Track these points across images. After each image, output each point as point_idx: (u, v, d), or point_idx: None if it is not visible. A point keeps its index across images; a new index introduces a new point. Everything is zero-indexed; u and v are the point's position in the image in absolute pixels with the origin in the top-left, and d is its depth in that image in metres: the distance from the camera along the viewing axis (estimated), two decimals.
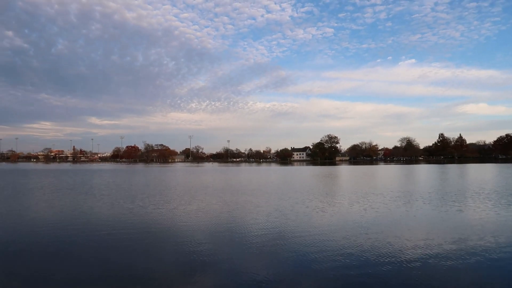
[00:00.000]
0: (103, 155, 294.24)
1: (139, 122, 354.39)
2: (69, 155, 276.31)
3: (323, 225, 14.24)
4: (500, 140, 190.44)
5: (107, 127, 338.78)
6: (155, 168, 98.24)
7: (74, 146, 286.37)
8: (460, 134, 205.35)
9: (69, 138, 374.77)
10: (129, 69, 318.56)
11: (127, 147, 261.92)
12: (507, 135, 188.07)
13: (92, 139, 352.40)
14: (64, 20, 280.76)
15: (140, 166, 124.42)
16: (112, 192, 27.81)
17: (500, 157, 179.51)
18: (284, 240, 11.84)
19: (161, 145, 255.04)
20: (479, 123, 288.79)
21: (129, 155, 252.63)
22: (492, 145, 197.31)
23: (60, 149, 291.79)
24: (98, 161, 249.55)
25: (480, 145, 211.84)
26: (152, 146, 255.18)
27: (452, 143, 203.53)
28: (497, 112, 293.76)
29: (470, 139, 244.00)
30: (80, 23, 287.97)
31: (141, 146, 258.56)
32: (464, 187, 29.90)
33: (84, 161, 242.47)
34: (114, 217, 16.59)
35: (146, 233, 13.11)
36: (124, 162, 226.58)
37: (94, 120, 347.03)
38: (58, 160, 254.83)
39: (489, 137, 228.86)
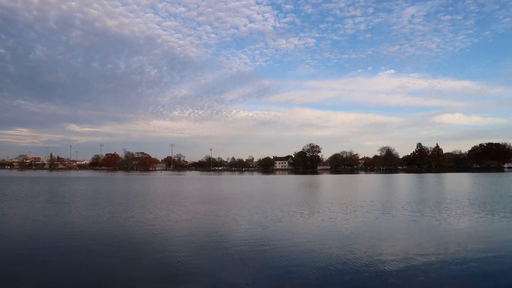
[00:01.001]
0: (82, 162, 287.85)
1: (120, 130, 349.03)
2: (46, 163, 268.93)
3: (303, 235, 14.13)
4: (474, 150, 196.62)
5: (87, 134, 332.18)
6: (134, 176, 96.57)
7: (51, 153, 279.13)
8: (437, 144, 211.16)
9: (47, 145, 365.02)
10: (110, 76, 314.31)
11: (106, 154, 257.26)
12: (480, 145, 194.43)
13: (71, 146, 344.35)
14: (43, 27, 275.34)
15: (119, 174, 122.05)
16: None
17: (474, 166, 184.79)
18: (264, 250, 11.69)
19: (142, 153, 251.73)
20: (455, 133, 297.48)
21: (108, 163, 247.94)
22: (467, 154, 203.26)
23: (36, 156, 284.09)
24: (76, 169, 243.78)
25: (456, 154, 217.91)
26: (132, 154, 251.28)
27: (430, 152, 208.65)
28: (472, 122, 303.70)
29: (447, 148, 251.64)
30: (59, 30, 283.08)
31: (121, 154, 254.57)
32: (441, 197, 30.42)
33: (61, 169, 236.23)
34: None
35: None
36: (103, 170, 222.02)
37: (74, 127, 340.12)
38: (34, 168, 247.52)
39: (465, 146, 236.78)
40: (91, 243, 12.59)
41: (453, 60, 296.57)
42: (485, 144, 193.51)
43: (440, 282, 8.52)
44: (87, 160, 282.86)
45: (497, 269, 9.42)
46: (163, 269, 9.55)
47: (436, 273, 9.08)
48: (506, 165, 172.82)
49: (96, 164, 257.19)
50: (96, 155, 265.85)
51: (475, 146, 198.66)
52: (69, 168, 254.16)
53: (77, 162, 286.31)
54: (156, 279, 8.76)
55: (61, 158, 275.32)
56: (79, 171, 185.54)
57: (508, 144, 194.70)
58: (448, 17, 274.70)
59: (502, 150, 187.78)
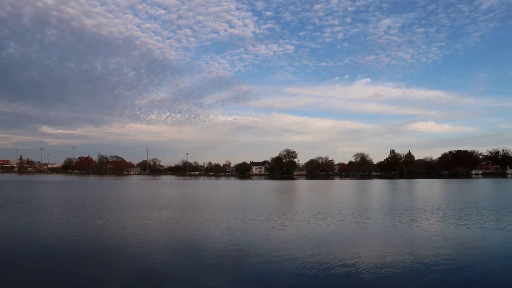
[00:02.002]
0: (54, 166, 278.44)
1: (96, 132, 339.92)
2: (15, 165, 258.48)
3: (279, 240, 14.10)
4: (444, 157, 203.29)
5: (60, 136, 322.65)
6: (106, 181, 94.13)
7: (21, 156, 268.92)
8: (409, 151, 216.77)
9: (17, 147, 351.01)
10: (86, 77, 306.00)
11: (79, 158, 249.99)
12: (450, 152, 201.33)
13: (42, 149, 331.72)
14: (17, 23, 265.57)
15: (91, 178, 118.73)
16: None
17: (443, 172, 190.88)
18: (239, 255, 11.64)
19: (116, 156, 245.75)
20: (427, 140, 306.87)
21: (81, 166, 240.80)
22: (438, 161, 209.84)
23: (5, 159, 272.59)
24: (47, 172, 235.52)
25: (427, 161, 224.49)
26: (106, 158, 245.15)
27: (402, 159, 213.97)
28: (444, 130, 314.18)
29: (419, 155, 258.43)
30: (34, 28, 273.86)
31: (95, 158, 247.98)
32: (412, 202, 31.08)
33: (31, 172, 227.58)
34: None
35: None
36: (75, 173, 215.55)
37: (46, 128, 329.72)
38: (1, 171, 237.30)
39: (437, 154, 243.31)
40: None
41: (426, 70, 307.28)
42: (454, 152, 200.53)
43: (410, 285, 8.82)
44: (59, 163, 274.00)
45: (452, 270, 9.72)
46: (137, 275, 9.44)
47: (406, 276, 9.40)
48: (473, 172, 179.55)
49: (68, 167, 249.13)
50: (69, 158, 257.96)
51: (445, 153, 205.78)
52: (40, 171, 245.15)
53: (49, 165, 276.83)
54: (131, 285, 8.64)
55: (31, 161, 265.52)
56: (50, 175, 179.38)
57: (476, 151, 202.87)
58: (422, 29, 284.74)
59: (470, 157, 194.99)
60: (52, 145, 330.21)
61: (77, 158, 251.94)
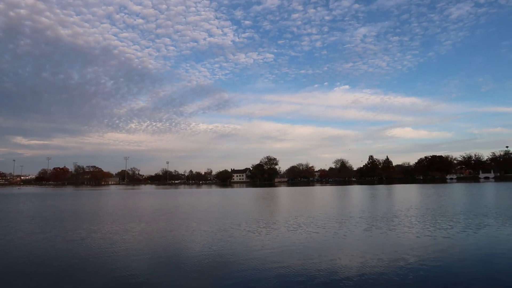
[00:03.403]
0: (27, 177, 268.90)
1: (72, 143, 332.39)
2: None
3: (259, 248, 13.98)
4: (420, 162, 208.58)
5: (35, 147, 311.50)
6: (81, 191, 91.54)
7: None
8: (387, 156, 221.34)
9: None
10: (62, 87, 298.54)
11: (54, 168, 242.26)
12: (426, 157, 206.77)
13: (14, 160, 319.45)
14: None
15: (67, 190, 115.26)
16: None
17: (418, 178, 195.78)
18: (220, 263, 11.60)
19: (94, 166, 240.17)
20: (405, 146, 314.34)
21: (56, 177, 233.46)
22: (414, 166, 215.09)
23: None
24: (20, 184, 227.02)
25: (405, 166, 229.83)
26: (83, 168, 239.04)
27: (381, 164, 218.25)
28: (420, 136, 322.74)
29: (397, 160, 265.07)
30: (6, 37, 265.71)
31: (72, 168, 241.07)
32: (391, 208, 31.63)
33: (2, 185, 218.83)
34: None
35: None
36: (50, 185, 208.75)
37: (20, 139, 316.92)
38: None
39: (414, 159, 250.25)
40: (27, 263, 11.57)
41: (402, 77, 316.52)
42: (430, 157, 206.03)
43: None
44: (33, 175, 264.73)
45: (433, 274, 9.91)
46: (115, 285, 9.28)
47: (387, 280, 9.57)
48: (448, 176, 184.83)
49: (42, 179, 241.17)
50: (44, 169, 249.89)
51: (421, 158, 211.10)
52: (12, 183, 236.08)
53: (22, 177, 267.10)
54: None
55: (3, 173, 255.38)
56: (22, 187, 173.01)
57: (450, 156, 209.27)
58: (396, 38, 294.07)
59: (445, 162, 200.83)
60: (26, 157, 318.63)
61: (51, 169, 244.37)
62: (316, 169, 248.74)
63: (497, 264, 11.24)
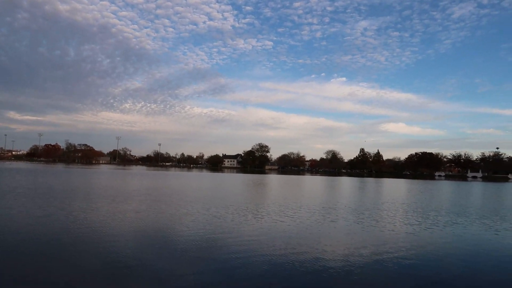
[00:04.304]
0: (19, 153, 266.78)
1: (66, 120, 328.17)
2: None
3: (248, 234, 14.14)
4: (410, 158, 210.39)
5: (28, 123, 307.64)
6: (71, 169, 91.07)
7: None
8: (378, 150, 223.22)
9: None
10: (58, 63, 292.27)
11: (45, 145, 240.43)
12: (416, 153, 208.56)
13: (6, 135, 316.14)
14: None
15: (57, 167, 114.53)
16: None
17: (406, 173, 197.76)
18: (208, 247, 11.75)
19: (85, 145, 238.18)
20: (398, 141, 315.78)
21: (47, 154, 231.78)
22: (404, 161, 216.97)
23: None
24: (11, 159, 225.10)
25: (396, 161, 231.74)
26: (74, 146, 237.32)
27: (372, 158, 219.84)
28: (414, 132, 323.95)
29: (389, 155, 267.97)
30: (3, 10, 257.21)
31: (64, 146, 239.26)
32: (367, 201, 31.94)
33: None
34: None
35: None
36: (41, 161, 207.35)
37: (13, 114, 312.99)
38: None
39: (406, 154, 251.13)
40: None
41: (399, 73, 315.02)
42: (420, 153, 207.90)
43: (374, 277, 9.33)
44: (25, 150, 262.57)
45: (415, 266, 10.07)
46: (105, 266, 9.32)
47: (372, 269, 9.91)
48: (437, 173, 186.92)
49: (34, 155, 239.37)
50: (35, 145, 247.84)
51: (411, 154, 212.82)
52: (2, 158, 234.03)
53: (13, 152, 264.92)
54: (98, 276, 8.56)
55: None
56: (13, 162, 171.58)
57: (440, 154, 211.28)
58: (397, 33, 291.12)
59: (434, 159, 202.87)
60: (18, 132, 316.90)
61: (43, 146, 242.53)
62: (307, 158, 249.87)
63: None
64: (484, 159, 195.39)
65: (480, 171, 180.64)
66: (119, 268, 9.23)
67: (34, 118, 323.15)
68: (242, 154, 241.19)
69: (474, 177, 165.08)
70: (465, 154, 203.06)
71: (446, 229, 17.44)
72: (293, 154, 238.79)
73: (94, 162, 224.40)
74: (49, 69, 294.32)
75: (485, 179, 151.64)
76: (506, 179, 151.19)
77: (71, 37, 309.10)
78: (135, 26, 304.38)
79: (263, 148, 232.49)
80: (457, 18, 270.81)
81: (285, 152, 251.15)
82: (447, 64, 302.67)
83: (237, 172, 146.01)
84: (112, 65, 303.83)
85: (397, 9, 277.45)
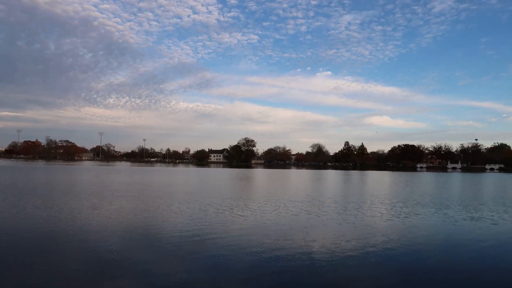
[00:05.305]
0: None
1: (47, 116, 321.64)
2: None
3: (235, 229, 14.17)
4: (393, 150, 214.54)
5: (6, 119, 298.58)
6: (51, 166, 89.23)
7: None
8: (362, 143, 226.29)
9: None
10: (38, 57, 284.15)
11: (25, 141, 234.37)
12: (399, 146, 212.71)
13: None
14: None
15: (36, 164, 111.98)
16: None
17: (387, 164, 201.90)
18: (196, 242, 11.83)
19: (67, 141, 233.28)
20: (382, 134, 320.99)
21: (27, 151, 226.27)
22: (387, 154, 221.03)
23: None
24: None
25: (379, 153, 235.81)
26: (55, 142, 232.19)
27: (356, 151, 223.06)
28: (397, 125, 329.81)
29: (374, 148, 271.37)
30: None
31: (44, 142, 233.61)
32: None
33: None
34: None
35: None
36: (21, 158, 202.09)
37: None
38: None
39: (389, 147, 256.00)
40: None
41: (383, 67, 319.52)
42: (402, 145, 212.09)
43: (362, 267, 9.59)
44: (3, 147, 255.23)
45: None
46: (91, 263, 9.31)
47: (359, 262, 10.10)
48: (418, 165, 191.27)
49: (12, 152, 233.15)
50: (14, 142, 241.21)
51: (394, 147, 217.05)
52: None
53: None
54: (85, 274, 8.48)
55: None
56: None
57: (422, 146, 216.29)
58: (380, 27, 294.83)
59: (416, 151, 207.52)
60: None
61: (22, 142, 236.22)
62: (294, 152, 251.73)
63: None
64: (463, 151, 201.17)
65: (459, 162, 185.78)
66: (107, 266, 9.21)
67: (13, 114, 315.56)
68: (229, 149, 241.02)
69: (454, 168, 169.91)
70: (445, 146, 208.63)
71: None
72: (279, 148, 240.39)
73: (76, 158, 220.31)
74: (29, 63, 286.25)
75: (464, 169, 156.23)
76: (484, 170, 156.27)
77: (50, 30, 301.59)
78: (118, 19, 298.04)
79: (249, 143, 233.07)
80: (437, 12, 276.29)
81: (272, 146, 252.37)
82: (429, 57, 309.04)
83: (223, 167, 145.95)
84: (94, 59, 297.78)
85: (380, 3, 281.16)
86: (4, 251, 10.42)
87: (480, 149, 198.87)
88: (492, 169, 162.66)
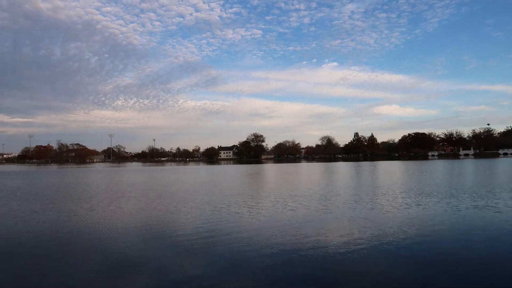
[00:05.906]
0: (10, 155, 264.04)
1: (57, 120, 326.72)
2: None
3: (250, 227, 14.03)
4: (403, 139, 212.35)
5: (18, 125, 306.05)
6: (63, 169, 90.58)
7: None
8: (372, 134, 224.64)
9: None
10: (44, 63, 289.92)
11: (37, 146, 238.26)
12: (409, 135, 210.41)
13: None
14: None
15: (49, 168, 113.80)
16: None
17: (397, 154, 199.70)
18: (211, 240, 11.75)
19: (78, 144, 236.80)
20: (392, 123, 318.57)
21: (39, 155, 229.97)
22: (398, 143, 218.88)
23: None
24: (3, 163, 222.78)
25: (390, 143, 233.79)
26: (67, 146, 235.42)
27: (366, 141, 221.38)
28: (407, 113, 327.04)
29: (383, 137, 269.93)
30: None
31: (56, 146, 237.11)
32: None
33: None
34: None
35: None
36: (33, 163, 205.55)
37: (2, 117, 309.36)
38: None
39: (399, 136, 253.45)
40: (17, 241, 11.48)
41: (389, 55, 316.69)
42: (413, 134, 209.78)
43: (378, 263, 9.31)
44: (17, 152, 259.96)
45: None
46: (107, 262, 9.43)
47: (375, 255, 9.90)
48: (430, 153, 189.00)
49: (25, 157, 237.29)
50: (26, 147, 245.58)
51: (404, 135, 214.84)
52: None
53: (4, 155, 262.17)
54: (99, 272, 8.62)
55: None
56: (5, 165, 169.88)
57: (433, 133, 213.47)
58: (384, 15, 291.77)
59: (427, 139, 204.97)
60: (9, 134, 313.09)
61: (34, 147, 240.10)
62: (303, 146, 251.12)
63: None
64: (475, 136, 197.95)
65: (472, 148, 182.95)
66: (122, 265, 9.29)
67: (25, 120, 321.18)
68: (238, 145, 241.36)
69: (466, 155, 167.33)
70: (456, 132, 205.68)
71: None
72: (289, 142, 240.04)
73: (88, 161, 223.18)
74: (36, 70, 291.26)
75: (476, 156, 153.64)
76: (497, 155, 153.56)
77: (55, 36, 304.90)
78: (121, 22, 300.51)
79: (258, 138, 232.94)
80: None
81: (281, 140, 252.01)
82: (435, 42, 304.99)
83: (234, 163, 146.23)
84: (100, 63, 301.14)
85: None
86: (19, 253, 10.50)
87: (492, 134, 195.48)
88: (505, 154, 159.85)
